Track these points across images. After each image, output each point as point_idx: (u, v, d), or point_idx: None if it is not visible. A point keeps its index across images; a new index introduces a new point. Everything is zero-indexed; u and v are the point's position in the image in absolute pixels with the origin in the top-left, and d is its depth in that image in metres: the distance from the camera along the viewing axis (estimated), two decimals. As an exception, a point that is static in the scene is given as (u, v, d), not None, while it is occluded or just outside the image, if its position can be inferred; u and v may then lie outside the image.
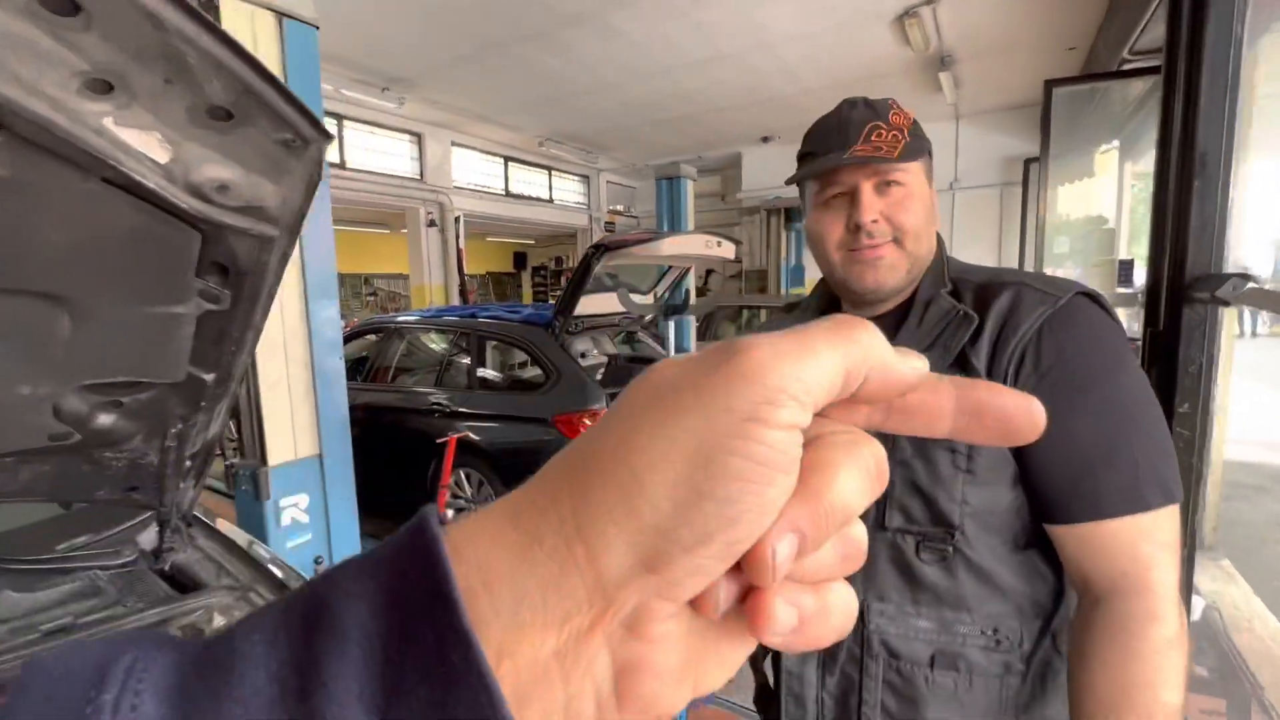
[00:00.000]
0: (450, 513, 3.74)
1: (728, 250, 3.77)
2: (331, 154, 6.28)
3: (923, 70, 5.64)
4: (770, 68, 5.62)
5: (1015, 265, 7.43)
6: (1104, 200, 5.15)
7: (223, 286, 0.87)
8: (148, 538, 1.22)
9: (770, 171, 8.65)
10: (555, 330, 3.62)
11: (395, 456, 3.97)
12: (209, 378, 1.01)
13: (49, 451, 0.99)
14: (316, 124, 0.71)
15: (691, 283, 5.90)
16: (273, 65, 2.13)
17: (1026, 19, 4.62)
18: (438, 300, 7.53)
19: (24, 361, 0.83)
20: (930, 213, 0.79)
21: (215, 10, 1.98)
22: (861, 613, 0.75)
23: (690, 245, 3.32)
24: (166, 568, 1.22)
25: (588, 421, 3.32)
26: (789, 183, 0.87)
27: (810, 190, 0.81)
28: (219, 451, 1.31)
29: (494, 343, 4.02)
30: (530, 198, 8.75)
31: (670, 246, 3.22)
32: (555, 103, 6.56)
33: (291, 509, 2.27)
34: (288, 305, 2.22)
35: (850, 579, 0.69)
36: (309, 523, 2.33)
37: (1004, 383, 0.66)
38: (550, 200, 9.09)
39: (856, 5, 4.42)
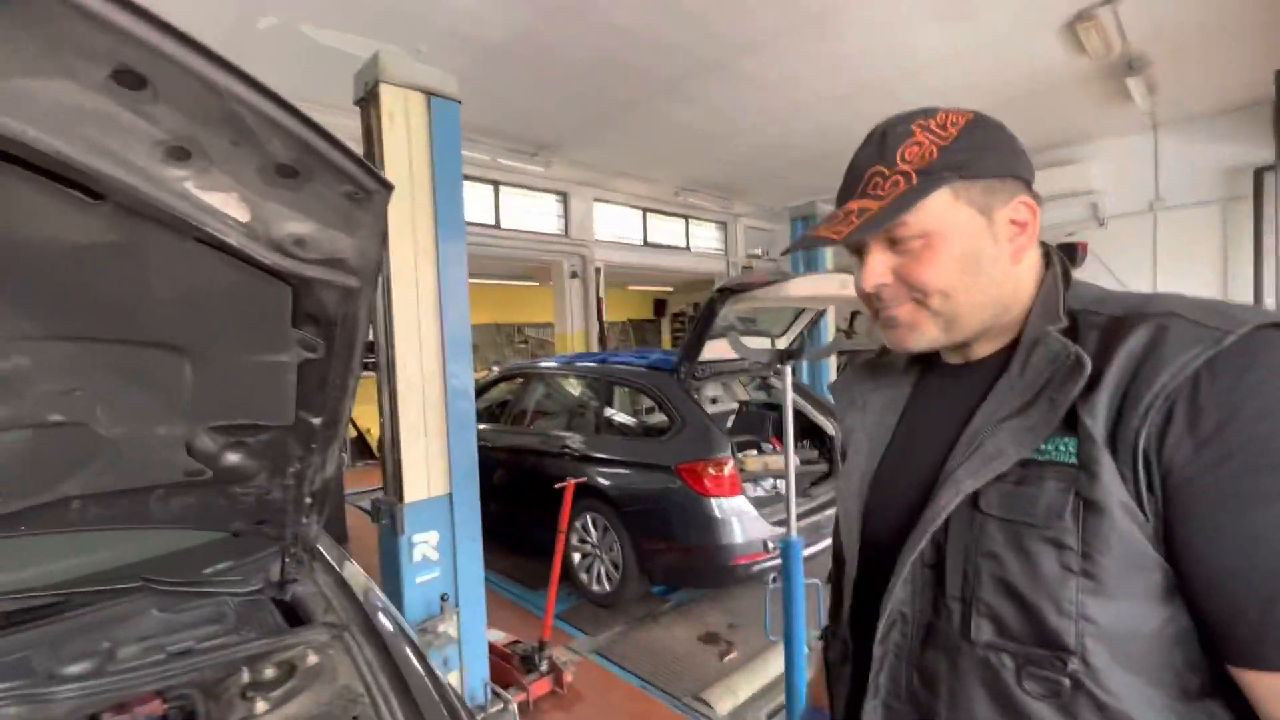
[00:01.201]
0: (577, 557, 3.76)
1: (866, 289, 3.50)
2: (488, 215, 6.96)
3: (1105, 78, 4.94)
4: (915, 96, 5.26)
5: (1251, 298, 6.06)
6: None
7: (318, 336, 0.92)
8: (276, 569, 1.31)
9: (921, 204, 8.05)
10: (680, 375, 3.57)
11: (530, 497, 4.11)
12: (317, 421, 1.07)
13: (189, 486, 1.10)
14: (376, 175, 0.72)
15: (831, 324, 5.58)
16: (421, 138, 2.37)
17: (1234, 3, 3.86)
18: (578, 347, 7.89)
19: (157, 405, 0.92)
20: (974, 255, 0.62)
21: (376, 98, 2.26)
22: None
23: (821, 286, 3.11)
24: (287, 598, 1.31)
25: (712, 471, 3.19)
26: (784, 253, 0.83)
27: None
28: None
29: (622, 388, 4.06)
30: (668, 246, 8.97)
31: (798, 288, 3.04)
32: (690, 153, 6.71)
33: (423, 545, 2.40)
34: (427, 354, 2.40)
35: (931, 699, 0.61)
36: (438, 560, 2.44)
37: (1137, 448, 0.51)
38: (687, 248, 9.25)
39: (1016, 16, 4.00)
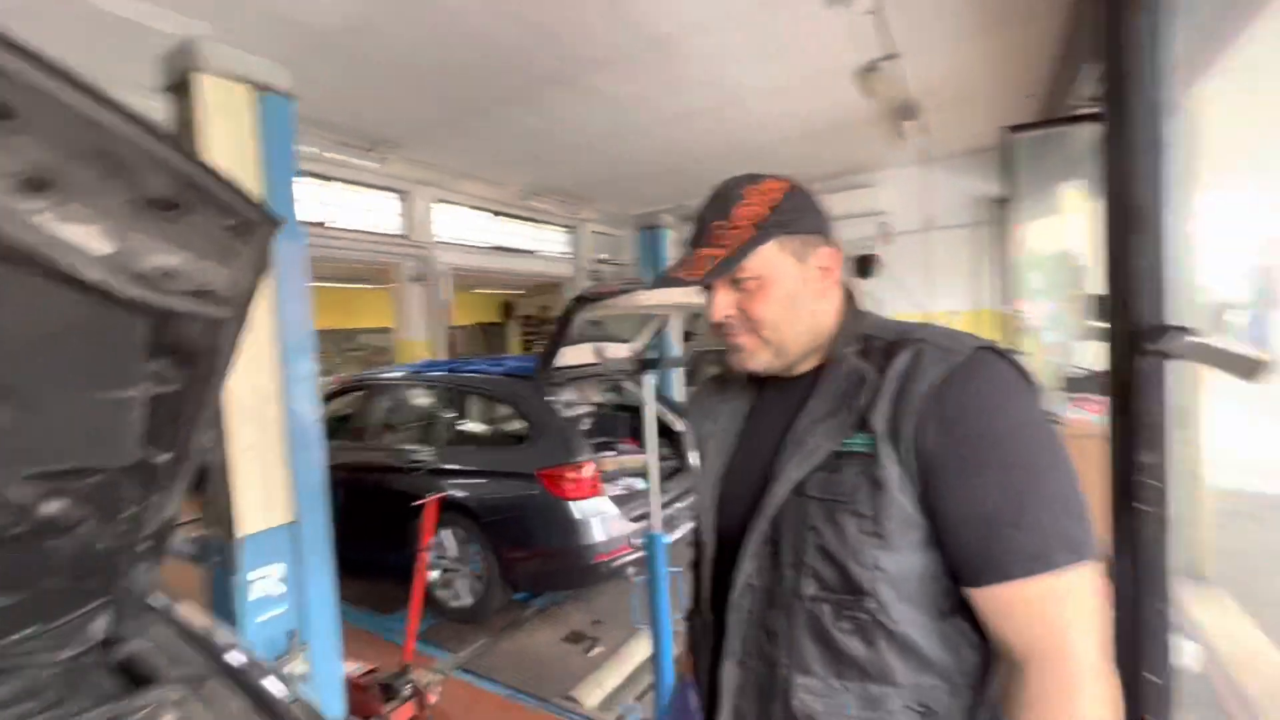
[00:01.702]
0: (435, 574, 3.63)
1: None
2: (313, 213, 6.37)
3: (889, 118, 5.87)
4: (744, 121, 5.82)
5: (994, 298, 7.60)
6: (1073, 236, 5.30)
7: (174, 367, 0.86)
8: (99, 627, 1.16)
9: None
10: (538, 382, 3.61)
11: (380, 517, 3.88)
12: (164, 458, 0.99)
13: (-8, 543, 0.95)
14: (264, 211, 0.71)
15: (677, 328, 5.95)
16: (248, 136, 2.17)
17: (982, 69, 4.85)
18: (422, 354, 7.51)
19: (-38, 454, 0.80)
20: (795, 296, 0.80)
21: (192, 90, 2.03)
22: (787, 686, 0.74)
23: (670, 295, 3.34)
24: (119, 659, 1.16)
25: (572, 474, 3.28)
26: (651, 287, 0.97)
27: None
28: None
29: (477, 397, 3.99)
30: (515, 250, 8.87)
31: (649, 297, 3.24)
32: (536, 159, 6.72)
33: (263, 581, 2.19)
34: (261, 368, 2.20)
35: (774, 650, 0.79)
36: (282, 594, 2.24)
37: (904, 439, 0.69)
38: (535, 252, 9.22)
39: (820, 61, 4.62)
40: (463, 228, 8.08)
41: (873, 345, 0.78)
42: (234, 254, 0.75)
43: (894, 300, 8.12)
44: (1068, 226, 5.38)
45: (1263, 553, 3.73)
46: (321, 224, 6.45)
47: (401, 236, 7.22)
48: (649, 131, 5.94)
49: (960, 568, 0.69)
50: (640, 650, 3.09)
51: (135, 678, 1.10)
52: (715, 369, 1.07)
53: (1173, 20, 0.85)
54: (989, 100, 5.61)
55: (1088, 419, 3.91)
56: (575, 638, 3.33)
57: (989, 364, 0.71)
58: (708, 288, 0.82)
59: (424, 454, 3.79)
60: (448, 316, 7.56)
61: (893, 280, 8.07)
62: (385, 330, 9.72)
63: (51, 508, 0.96)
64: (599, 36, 4.01)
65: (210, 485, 2.18)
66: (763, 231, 0.77)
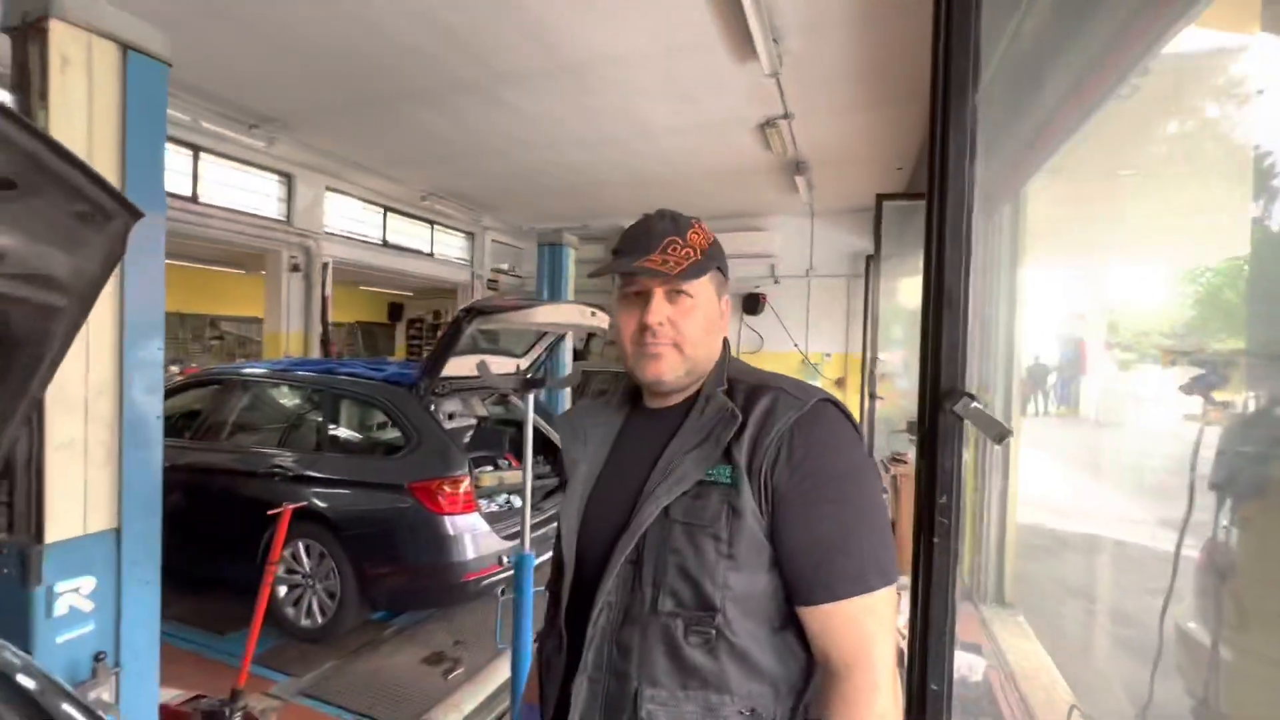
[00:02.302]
0: (283, 590, 3.35)
1: (602, 320, 3.90)
2: (184, 187, 5.76)
3: (782, 171, 6.36)
4: (652, 153, 6.05)
5: (860, 345, 8.38)
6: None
7: (-11, 354, 0.78)
8: None
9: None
10: (421, 391, 3.49)
11: (227, 526, 3.53)
12: (-39, 452, 0.88)
13: None
14: (121, 200, 0.68)
15: (569, 347, 5.99)
16: (113, 101, 1.98)
17: (861, 139, 5.41)
18: (295, 349, 6.96)
19: None
20: (712, 323, 0.92)
21: (41, 34, 1.81)
22: (635, 697, 0.80)
23: (565, 314, 3.40)
24: None
25: (447, 488, 3.19)
26: (592, 275, 1.02)
27: (616, 285, 0.94)
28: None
29: (351, 401, 3.77)
30: (410, 250, 8.51)
31: (544, 314, 3.27)
32: (441, 160, 6.55)
33: (70, 595, 1.93)
34: (96, 355, 1.97)
35: (625, 664, 0.87)
36: (92, 610, 1.99)
37: (760, 473, 0.80)
38: (431, 254, 8.89)
39: (723, 112, 4.94)
40: (352, 221, 7.65)
41: (737, 387, 0.88)
42: (81, 242, 0.70)
43: (775, 338, 8.71)
44: (911, 290, 6.09)
45: (1050, 581, 4.36)
46: (193, 199, 5.84)
47: (282, 221, 6.70)
48: (558, 149, 6.00)
49: (795, 588, 0.79)
50: (502, 672, 3.04)
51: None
52: (601, 390, 1.13)
53: (978, 139, 1.03)
54: (867, 166, 6.26)
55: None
56: (436, 658, 3.21)
57: (828, 414, 0.84)
58: (634, 295, 0.90)
59: (283, 459, 3.51)
60: (326, 312, 7.07)
61: (775, 320, 8.67)
62: (253, 320, 8.89)
63: None
64: (514, 51, 4.03)
65: (11, 483, 1.90)
66: (708, 259, 0.89)
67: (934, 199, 1.07)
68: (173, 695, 2.43)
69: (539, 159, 6.29)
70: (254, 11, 3.68)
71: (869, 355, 5.87)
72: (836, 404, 0.86)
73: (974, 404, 0.94)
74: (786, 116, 4.96)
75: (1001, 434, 0.87)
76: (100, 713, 1.03)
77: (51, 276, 0.72)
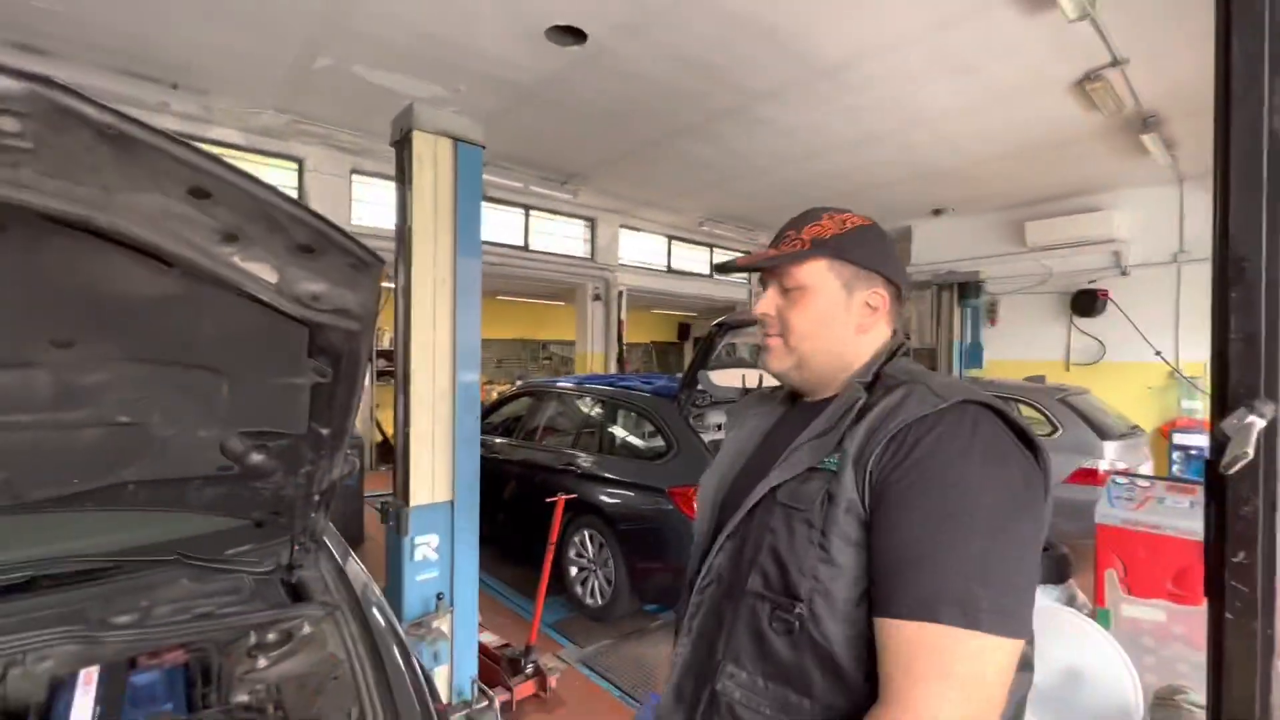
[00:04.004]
0: (574, 570, 3.94)
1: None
2: (518, 238, 7.30)
3: (1120, 133, 5.02)
4: (931, 143, 5.42)
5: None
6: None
7: (327, 365, 1.15)
8: (285, 554, 1.54)
9: (942, 244, 8.11)
10: (680, 402, 3.75)
11: (535, 510, 4.30)
12: (325, 431, 1.31)
13: (221, 479, 1.34)
14: (370, 252, 0.95)
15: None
16: (446, 176, 2.65)
17: (1251, 70, 3.94)
18: (598, 366, 8.13)
19: (200, 412, 1.17)
20: (830, 316, 0.84)
21: (409, 141, 2.55)
22: (717, 669, 0.79)
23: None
24: (293, 580, 1.53)
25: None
26: (717, 270, 1.06)
27: None
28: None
29: (625, 410, 4.25)
30: (691, 273, 9.20)
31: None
32: (712, 187, 6.96)
33: (424, 546, 2.62)
34: (440, 370, 2.65)
35: (717, 635, 0.87)
36: (437, 560, 2.66)
37: (866, 464, 0.72)
38: (710, 275, 9.47)
39: (1023, 75, 4.15)
40: (642, 251, 8.62)
41: (884, 383, 0.80)
42: (358, 284, 1.00)
43: (1124, 345, 6.81)
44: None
45: None
46: (525, 247, 7.38)
47: (587, 259, 7.94)
48: (824, 157, 5.82)
49: (871, 595, 0.70)
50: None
51: (299, 595, 1.45)
52: (778, 385, 1.11)
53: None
54: (1267, 104, 4.52)
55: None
56: (693, 657, 3.37)
57: (967, 416, 0.71)
58: (764, 286, 0.90)
59: (577, 458, 4.15)
60: (620, 333, 8.10)
61: (1122, 321, 6.78)
62: (571, 343, 10.70)
63: (256, 458, 1.33)
64: (765, 70, 4.09)
65: (396, 462, 2.69)
66: (817, 248, 0.83)
67: (1220, 130, 0.78)
68: (489, 638, 3.09)
69: (804, 171, 6.20)
70: (551, 91, 4.51)
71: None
72: (996, 409, 0.72)
73: (1250, 417, 0.64)
74: (1116, 63, 3.93)
75: (1235, 458, 0.58)
76: (413, 654, 1.36)
77: (349, 309, 1.04)
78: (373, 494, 6.22)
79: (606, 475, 3.88)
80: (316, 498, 1.49)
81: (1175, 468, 6.08)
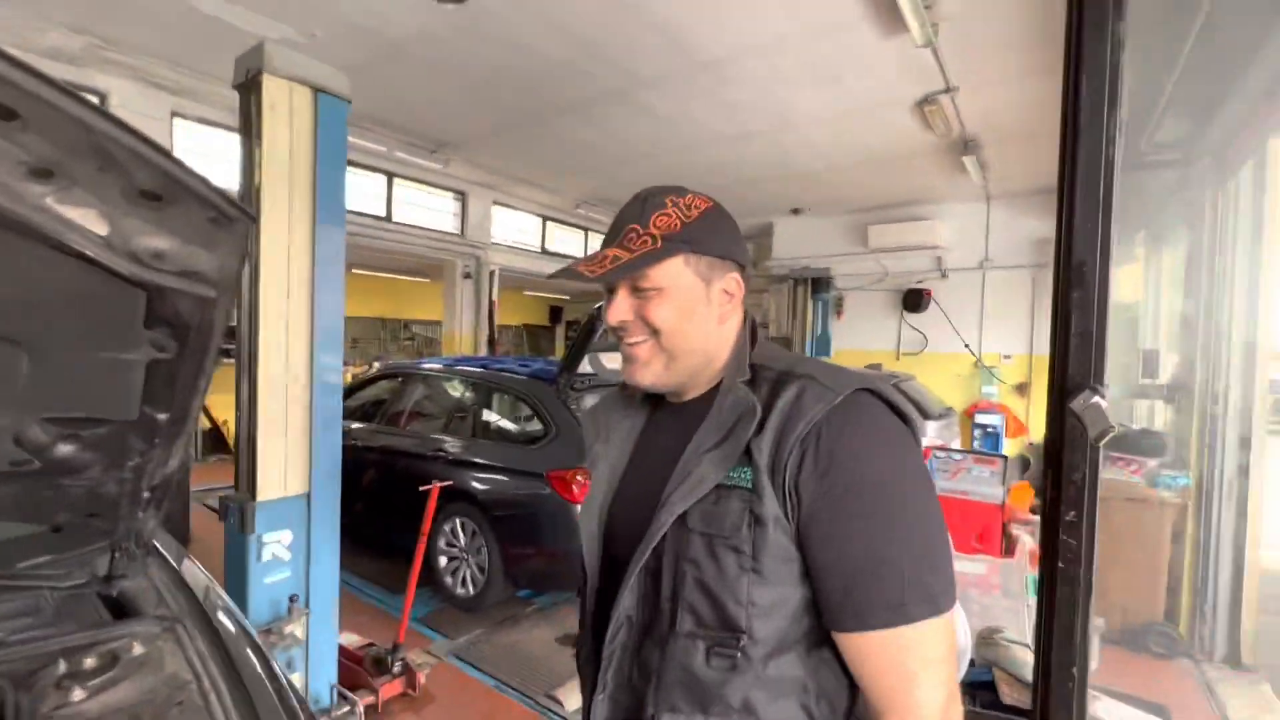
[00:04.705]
0: (444, 560, 3.76)
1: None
2: (379, 207, 6.73)
3: (947, 152, 5.74)
4: (798, 145, 5.82)
5: (1046, 346, 7.28)
6: (1134, 288, 5.03)
7: (170, 338, 0.97)
8: (101, 563, 1.29)
9: (800, 242, 8.78)
10: (560, 386, 3.70)
11: (400, 499, 4.04)
12: (163, 417, 1.11)
13: (11, 476, 1.09)
14: (238, 206, 0.81)
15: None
16: (305, 131, 2.35)
17: (1041, 108, 4.69)
18: (467, 348, 7.78)
19: (-15, 394, 0.93)
20: (692, 309, 0.78)
21: (257, 86, 2.22)
22: None
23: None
24: (114, 593, 1.29)
25: (580, 478, 3.34)
26: (550, 278, 0.94)
27: None
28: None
29: (501, 394, 4.12)
30: (566, 255, 9.08)
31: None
32: (591, 169, 6.90)
33: (274, 545, 2.35)
34: (294, 349, 2.36)
35: (644, 686, 0.77)
36: (289, 560, 2.40)
37: (783, 477, 0.69)
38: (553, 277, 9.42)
39: (875, 93, 4.58)
40: (516, 231, 8.36)
41: (762, 376, 0.77)
42: (217, 242, 0.85)
43: (942, 338, 7.88)
44: (1130, 278, 5.12)
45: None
46: (387, 218, 6.81)
47: (457, 235, 7.53)
48: (702, 149, 6.01)
49: (826, 610, 0.70)
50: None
51: (123, 611, 1.23)
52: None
53: (1121, 77, 0.85)
54: (1051, 139, 5.40)
55: (1129, 480, 3.69)
56: (569, 639, 3.38)
57: (864, 407, 0.71)
58: (609, 290, 0.81)
59: (447, 443, 3.94)
60: (491, 315, 7.81)
61: (941, 318, 7.84)
62: (437, 323, 10.12)
63: (65, 450, 1.09)
64: (650, 56, 4.12)
65: (237, 452, 2.36)
66: (670, 245, 0.76)
67: (1065, 155, 0.90)
68: (350, 639, 2.85)
69: (682, 161, 6.36)
70: (424, 51, 4.18)
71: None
72: (879, 393, 0.73)
73: (1095, 398, 0.76)
74: (948, 90, 4.47)
75: (1102, 432, 0.70)
76: (275, 662, 1.21)
77: (201, 272, 0.88)
78: (201, 488, 5.47)
79: (480, 460, 3.74)
80: (146, 495, 1.26)
81: (976, 443, 7.17)
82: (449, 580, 3.77)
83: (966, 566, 2.23)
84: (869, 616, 0.66)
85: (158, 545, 1.45)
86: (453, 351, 7.61)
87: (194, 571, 1.45)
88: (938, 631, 0.66)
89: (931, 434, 5.29)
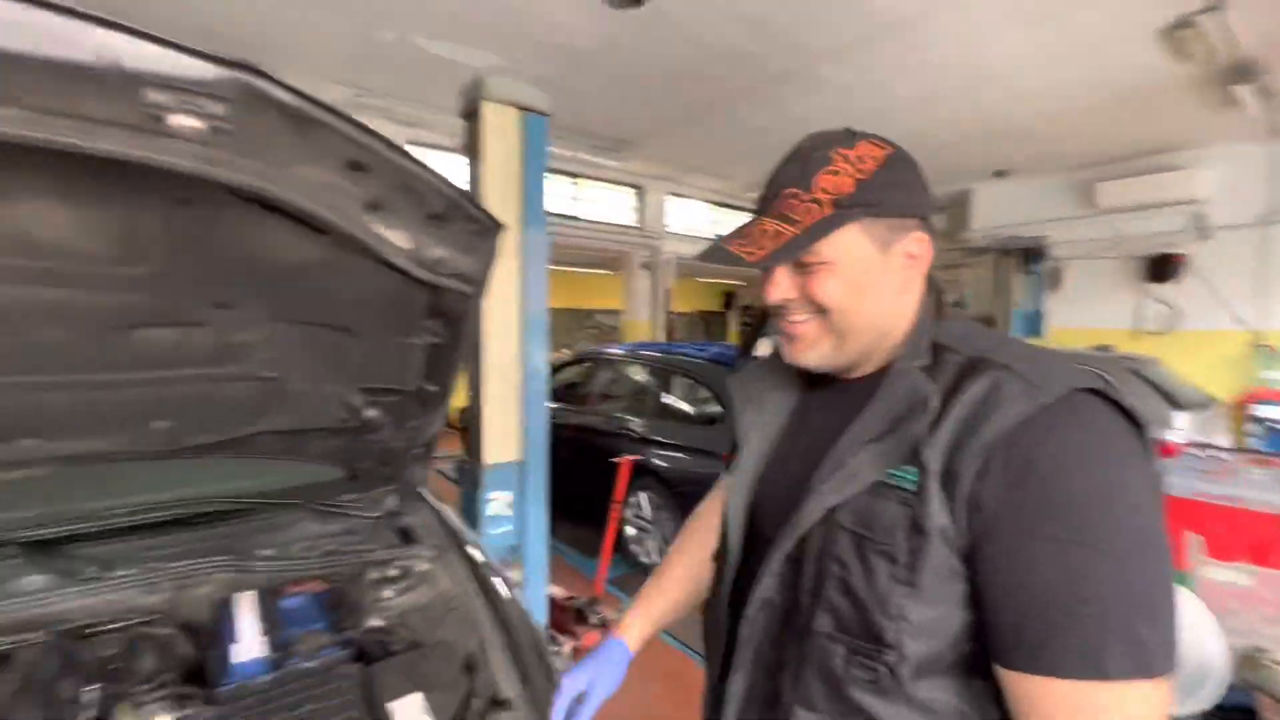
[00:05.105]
0: (632, 530, 4.08)
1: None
2: (567, 206, 7.35)
3: (1208, 85, 4.68)
4: (1002, 99, 5.17)
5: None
6: None
7: (442, 326, 1.25)
8: (391, 502, 1.68)
9: (1004, 208, 7.77)
10: (737, 369, 3.79)
11: (592, 472, 4.45)
12: (433, 388, 1.41)
13: (339, 431, 1.47)
14: (493, 219, 1.03)
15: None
16: (515, 146, 2.71)
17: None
18: (645, 335, 8.20)
19: (330, 369, 1.28)
20: (867, 284, 0.67)
21: (479, 115, 2.61)
22: (789, 715, 0.68)
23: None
24: (400, 525, 1.67)
25: (758, 460, 3.40)
26: (700, 259, 0.78)
27: None
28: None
29: (681, 378, 4.33)
30: (738, 240, 9.10)
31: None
32: (764, 153, 6.79)
33: (496, 502, 2.78)
34: (507, 338, 2.76)
35: (780, 675, 0.73)
36: (510, 516, 2.82)
37: (959, 485, 0.59)
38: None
39: (1108, 22, 3.90)
40: (689, 219, 8.56)
41: (945, 360, 0.65)
42: (476, 249, 1.08)
43: (1201, 312, 6.46)
44: None
45: None
46: (573, 216, 7.43)
47: (635, 227, 7.94)
48: (884, 120, 5.62)
49: (992, 640, 0.59)
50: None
51: (408, 538, 1.59)
52: None
53: None
54: (1384, 48, 4.15)
55: None
56: (748, 615, 3.48)
57: (1085, 412, 0.58)
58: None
59: (633, 422, 4.26)
60: (668, 302, 8.12)
61: (1202, 287, 6.42)
62: (616, 312, 10.78)
63: (370, 413, 1.45)
64: (828, 27, 3.97)
65: (469, 424, 2.83)
66: (842, 211, 0.65)
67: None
68: (556, 590, 3.26)
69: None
70: (607, 57, 4.49)
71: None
72: (1106, 395, 0.59)
73: None
74: (1211, 9, 3.65)
75: None
76: (512, 590, 1.48)
77: (466, 273, 1.12)
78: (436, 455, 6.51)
79: (664, 439, 3.98)
80: (418, 451, 1.61)
81: (1254, 440, 5.79)
82: (635, 549, 4.09)
83: (1226, 576, 1.88)
84: (1052, 660, 0.54)
85: (423, 492, 1.84)
86: (632, 339, 8.08)
87: (449, 514, 1.81)
88: (1145, 702, 0.52)
89: (1184, 428, 4.43)
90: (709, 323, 14.01)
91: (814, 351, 0.72)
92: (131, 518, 1.33)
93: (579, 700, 0.90)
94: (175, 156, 0.71)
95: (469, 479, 2.76)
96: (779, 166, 0.71)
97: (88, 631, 1.07)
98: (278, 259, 1.00)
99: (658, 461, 3.92)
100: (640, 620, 1.01)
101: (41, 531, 1.24)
